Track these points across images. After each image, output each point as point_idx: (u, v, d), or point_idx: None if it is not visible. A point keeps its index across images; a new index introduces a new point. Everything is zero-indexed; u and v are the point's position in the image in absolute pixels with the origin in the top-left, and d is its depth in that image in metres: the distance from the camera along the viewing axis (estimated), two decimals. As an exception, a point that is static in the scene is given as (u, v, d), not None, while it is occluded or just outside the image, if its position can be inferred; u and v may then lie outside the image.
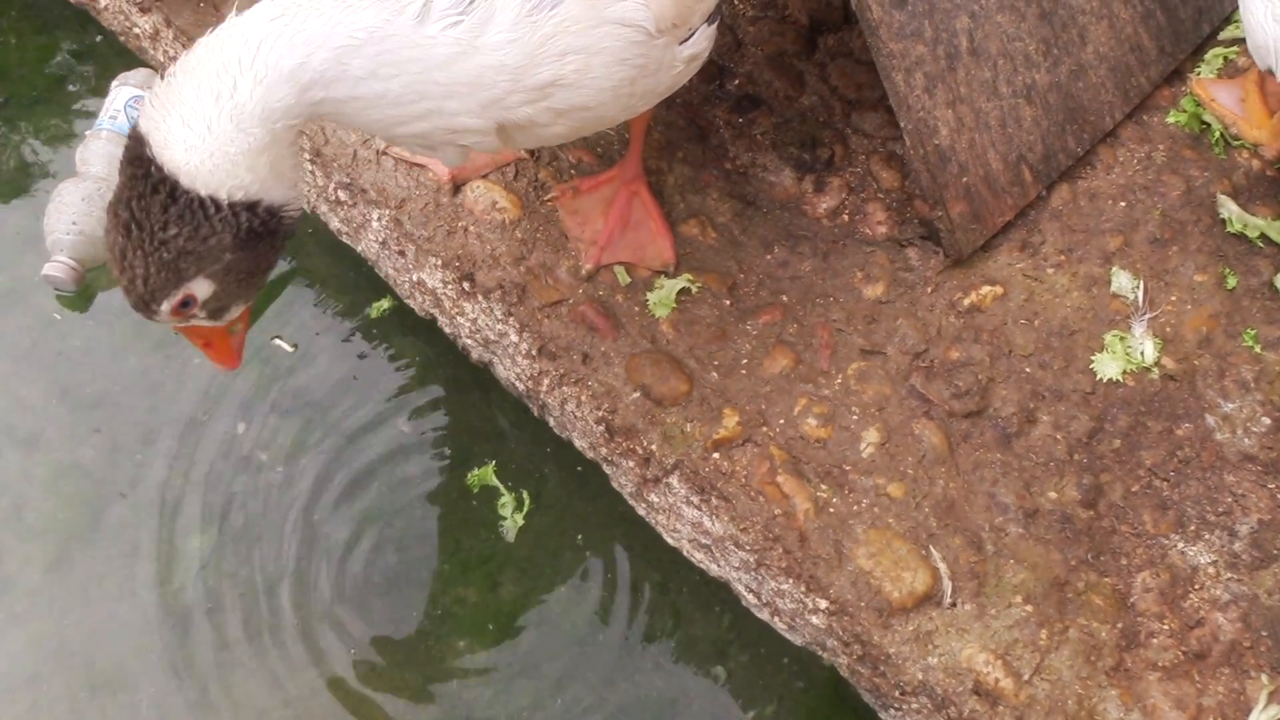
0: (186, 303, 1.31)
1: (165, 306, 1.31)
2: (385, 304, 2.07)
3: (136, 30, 2.15)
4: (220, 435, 2.08)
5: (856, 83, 2.03)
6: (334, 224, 2.00)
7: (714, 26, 1.57)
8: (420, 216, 1.85)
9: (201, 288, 1.30)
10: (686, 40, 1.48)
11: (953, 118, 1.78)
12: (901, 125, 1.75)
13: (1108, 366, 1.75)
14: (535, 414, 1.86)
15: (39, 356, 2.14)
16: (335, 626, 1.96)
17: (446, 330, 1.90)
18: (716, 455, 1.66)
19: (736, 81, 2.03)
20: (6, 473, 2.03)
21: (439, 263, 1.81)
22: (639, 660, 1.96)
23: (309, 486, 2.06)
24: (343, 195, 1.91)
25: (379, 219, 1.87)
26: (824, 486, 1.63)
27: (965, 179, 1.80)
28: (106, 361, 2.14)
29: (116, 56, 2.40)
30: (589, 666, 1.95)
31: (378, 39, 1.22)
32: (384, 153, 1.90)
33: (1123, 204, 1.91)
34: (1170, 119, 1.99)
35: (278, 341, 2.11)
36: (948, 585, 1.55)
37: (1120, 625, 1.54)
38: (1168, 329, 1.79)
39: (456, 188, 1.86)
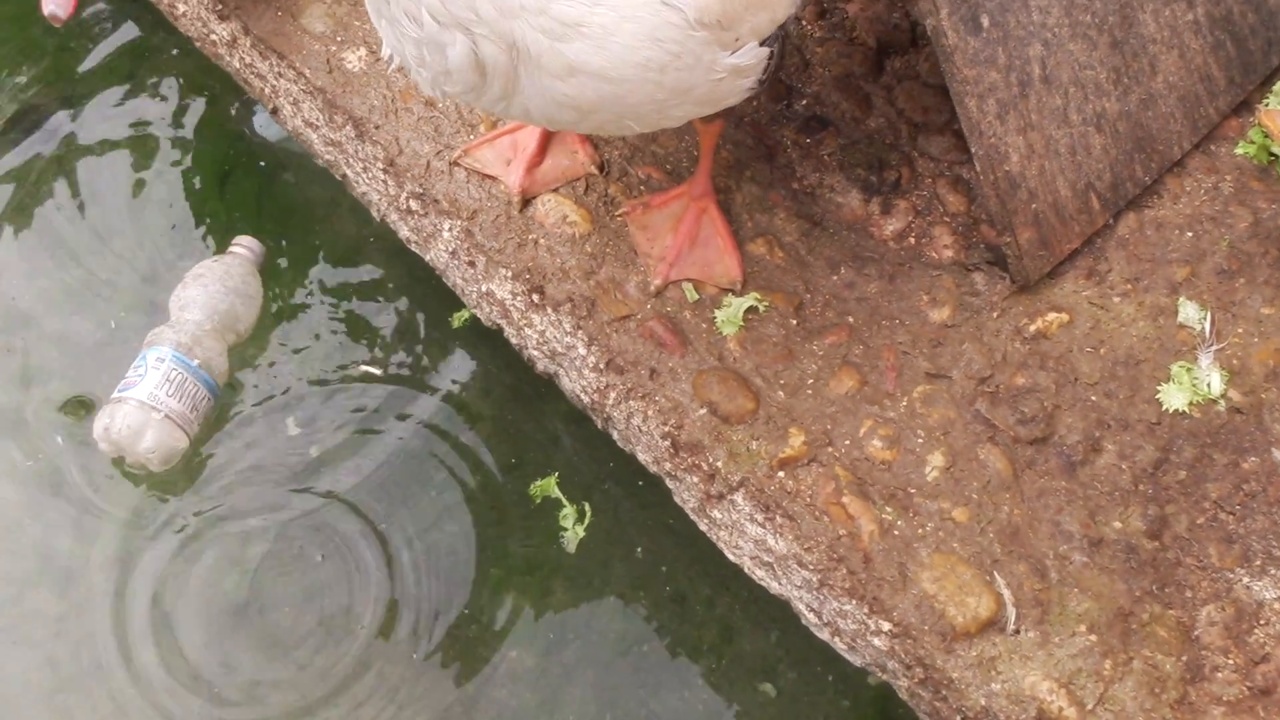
0: None
1: None
2: (465, 314, 2.10)
3: (213, 37, 2.18)
4: (277, 435, 2.11)
5: (923, 106, 2.04)
6: (403, 233, 2.02)
7: (769, 51, 1.55)
8: (491, 228, 1.87)
9: None
10: (735, 52, 1.46)
11: (1023, 144, 1.79)
12: (972, 150, 1.76)
13: (1174, 397, 1.75)
14: (599, 426, 1.88)
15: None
16: (385, 629, 1.99)
17: (513, 341, 1.92)
18: (782, 474, 1.67)
19: (804, 102, 2.05)
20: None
21: (509, 274, 1.83)
22: (686, 673, 1.97)
23: (365, 491, 2.09)
24: (414, 205, 1.94)
25: (450, 229, 1.89)
26: (889, 509, 1.64)
27: (1034, 205, 1.81)
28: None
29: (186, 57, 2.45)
30: (637, 678, 1.97)
31: None
32: (456, 163, 1.92)
33: (1190, 234, 1.91)
34: (1238, 150, 1.98)
35: (365, 368, 2.14)
36: (1012, 612, 1.56)
37: (1185, 658, 1.54)
38: (1234, 361, 1.79)
39: (526, 201, 1.88)
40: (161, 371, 1.95)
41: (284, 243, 2.34)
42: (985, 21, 1.72)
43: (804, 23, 2.14)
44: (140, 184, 2.47)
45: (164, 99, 2.54)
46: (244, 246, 2.18)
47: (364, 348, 2.19)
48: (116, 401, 1.97)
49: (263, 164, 2.45)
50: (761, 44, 1.48)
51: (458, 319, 2.14)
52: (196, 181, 2.46)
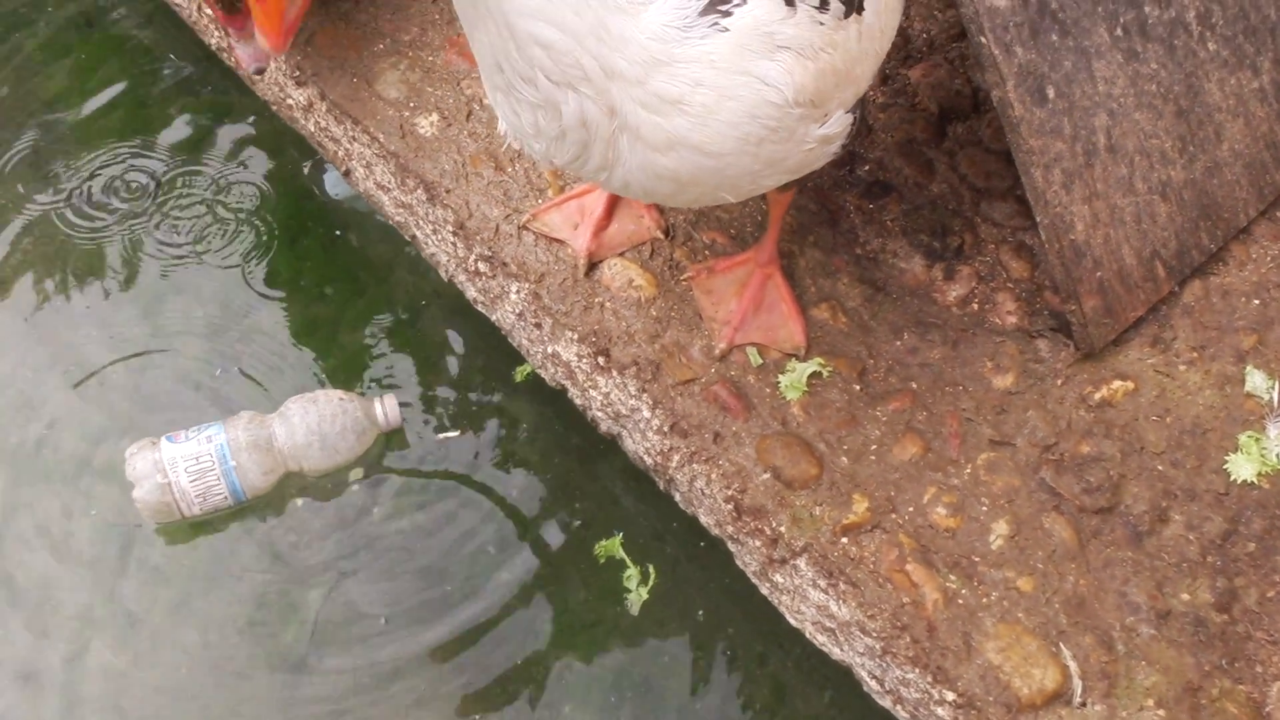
0: None
1: None
2: (528, 368, 2.13)
3: (290, 101, 2.25)
4: (338, 487, 2.15)
5: (986, 171, 2.06)
6: (470, 293, 2.06)
7: (853, 116, 1.61)
8: (558, 291, 1.90)
9: None
10: (824, 123, 1.52)
11: (1089, 213, 1.79)
12: (1038, 219, 1.77)
13: (1242, 468, 1.74)
14: (661, 488, 1.89)
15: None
16: (439, 680, 2.00)
17: (577, 402, 1.95)
18: (845, 540, 1.67)
19: (867, 167, 2.07)
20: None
21: (575, 337, 1.86)
22: (741, 732, 1.97)
23: (422, 543, 2.11)
24: (483, 267, 1.98)
25: (518, 291, 1.93)
26: (953, 577, 1.64)
27: (1099, 274, 1.81)
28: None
29: (261, 118, 2.52)
30: (693, 736, 1.97)
31: None
32: (524, 227, 1.96)
33: (1256, 301, 1.91)
34: (1306, 218, 1.98)
35: (445, 435, 2.18)
36: (1078, 684, 1.55)
37: (1257, 735, 1.52)
38: (1304, 431, 1.77)
39: (593, 265, 1.92)
40: (198, 448, 1.99)
41: (352, 296, 2.40)
42: (1051, 93, 1.74)
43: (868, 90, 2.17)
44: (212, 237, 2.54)
45: (238, 158, 2.62)
46: (384, 409, 2.11)
47: (424, 402, 2.23)
48: (153, 444, 2.02)
49: (333, 225, 2.51)
50: (846, 112, 1.53)
51: (520, 373, 2.17)
52: (268, 237, 2.52)
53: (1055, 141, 1.76)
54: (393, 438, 2.16)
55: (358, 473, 2.17)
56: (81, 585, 2.06)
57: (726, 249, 1.95)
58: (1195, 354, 1.85)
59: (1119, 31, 1.80)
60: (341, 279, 2.45)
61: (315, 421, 2.02)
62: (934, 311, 1.90)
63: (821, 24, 1.40)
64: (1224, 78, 1.92)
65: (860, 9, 1.47)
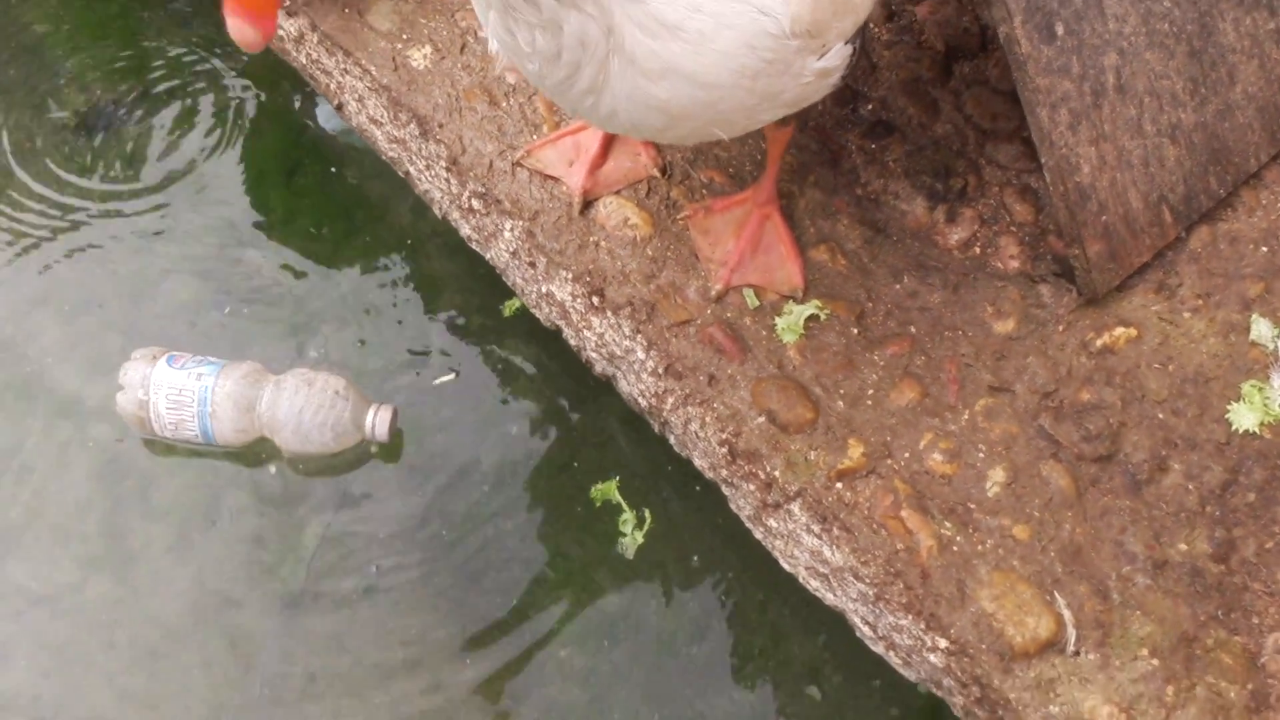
0: None
1: None
2: (516, 303, 2.10)
3: (280, 32, 2.20)
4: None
5: (992, 113, 2.01)
6: (464, 230, 2.03)
7: (851, 48, 1.55)
8: (553, 229, 1.87)
9: None
10: (823, 55, 1.47)
11: (1095, 155, 1.75)
12: (1043, 161, 1.73)
13: (1244, 417, 1.71)
14: (655, 430, 1.87)
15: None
16: (434, 623, 2.00)
17: (571, 342, 1.92)
18: (840, 485, 1.65)
19: (870, 106, 2.03)
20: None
21: (569, 276, 1.83)
22: (734, 676, 1.97)
23: (417, 485, 2.10)
24: (476, 204, 1.94)
25: (511, 229, 1.90)
26: (948, 524, 1.62)
27: (1104, 218, 1.77)
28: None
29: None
30: (685, 679, 1.97)
31: None
32: (518, 163, 1.92)
33: (1264, 249, 1.87)
34: (1319, 163, 1.93)
35: (440, 381, 2.15)
36: (1072, 633, 1.53)
37: (1250, 686, 1.51)
38: (1308, 381, 1.74)
39: (588, 203, 1.88)
40: (184, 381, 1.97)
41: (347, 234, 2.37)
42: (1060, 30, 1.69)
43: (871, 25, 2.12)
44: (206, 174, 2.51)
45: (229, 91, 2.57)
46: (374, 420, 2.03)
47: (418, 340, 2.20)
48: (153, 358, 2.03)
49: (329, 161, 2.47)
50: (845, 43, 1.48)
51: (509, 308, 2.14)
52: (263, 173, 2.49)
53: (1063, 80, 1.71)
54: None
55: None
56: (85, 517, 2.05)
57: (724, 188, 1.91)
58: (1200, 301, 1.81)
59: (1132, -33, 1.74)
60: (337, 217, 2.42)
61: (300, 404, 1.97)
62: (935, 255, 1.87)
63: None
64: (1239, 17, 1.87)
65: None
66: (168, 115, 2.55)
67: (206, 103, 2.56)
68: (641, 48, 1.29)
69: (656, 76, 1.32)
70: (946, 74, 2.07)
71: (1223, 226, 1.89)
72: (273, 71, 2.49)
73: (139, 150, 2.51)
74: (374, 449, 2.07)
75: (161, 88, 2.58)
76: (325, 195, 2.45)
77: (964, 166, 1.95)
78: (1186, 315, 1.81)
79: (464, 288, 2.26)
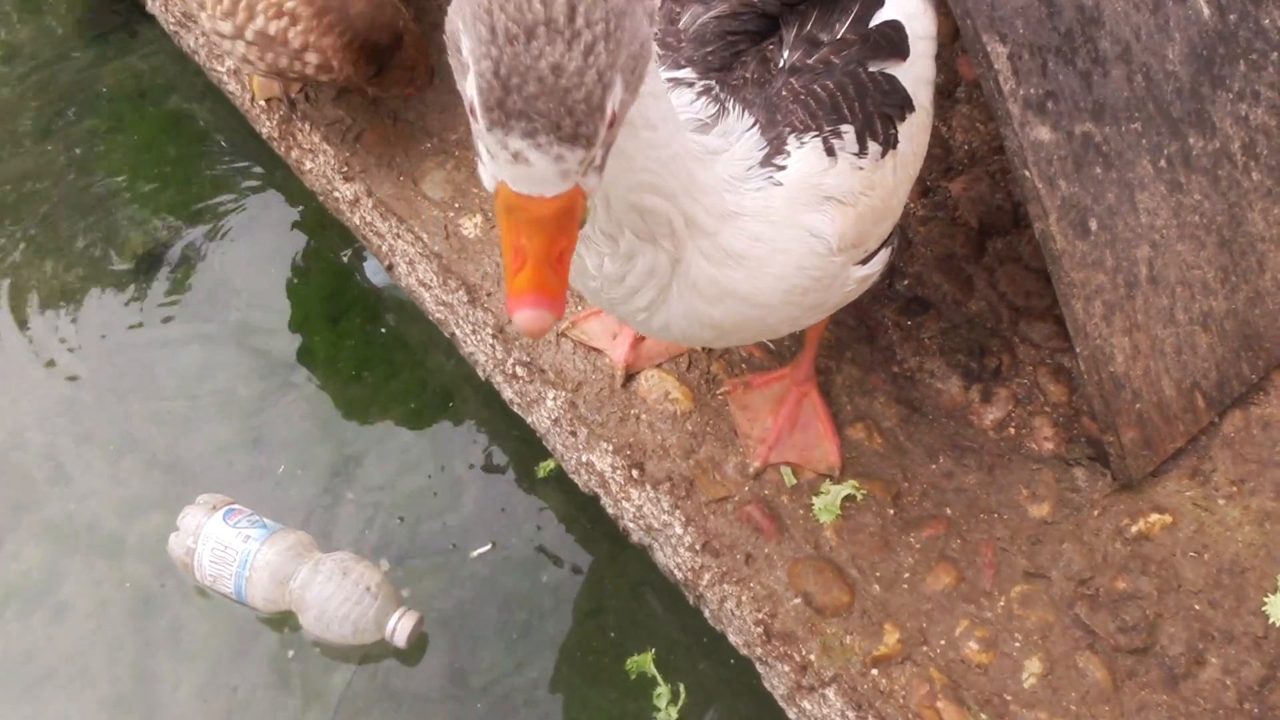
0: (612, 120, 0.97)
1: (613, 99, 0.95)
2: (551, 464, 2.13)
3: (336, 194, 2.29)
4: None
5: (1025, 290, 2.05)
6: (507, 394, 2.08)
7: (890, 250, 1.62)
8: (595, 401, 1.91)
9: (618, 83, 0.96)
10: (864, 262, 1.53)
11: (1129, 345, 1.79)
12: (1077, 350, 1.76)
13: (1281, 610, 1.71)
14: (690, 602, 1.89)
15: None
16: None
17: (609, 510, 1.95)
18: (875, 672, 1.66)
19: (906, 282, 2.08)
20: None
21: (610, 448, 1.87)
22: None
23: (448, 644, 2.10)
24: (520, 371, 1.99)
25: (554, 399, 1.94)
26: (984, 716, 1.62)
27: (1138, 405, 1.80)
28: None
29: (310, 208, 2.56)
30: None
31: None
32: (563, 334, 1.97)
33: (1298, 434, 1.88)
34: (1350, 350, 1.96)
35: (479, 553, 2.16)
36: (1111, 836, 1.52)
37: None
38: (1345, 573, 1.74)
39: (630, 376, 1.92)
40: (232, 540, 2.01)
41: (387, 379, 2.42)
42: (1093, 225, 1.74)
43: (908, 201, 2.18)
44: (253, 317, 2.57)
45: (282, 241, 2.65)
46: (396, 625, 2.00)
47: (452, 504, 2.23)
48: (213, 509, 2.07)
49: (373, 309, 2.54)
50: (883, 246, 1.54)
51: (543, 469, 2.17)
52: (309, 316, 2.55)
53: (1097, 274, 1.75)
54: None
55: (389, 555, 2.17)
56: (117, 657, 2.07)
57: (764, 363, 1.96)
58: (1235, 488, 1.83)
59: (1163, 163, 1.80)
60: (378, 362, 2.47)
61: (330, 592, 1.98)
62: (970, 435, 1.89)
63: (861, 169, 1.41)
64: (1268, 207, 1.92)
65: (896, 144, 1.48)
66: (219, 257, 2.63)
67: (257, 246, 2.64)
68: (704, 275, 1.33)
69: (714, 300, 1.36)
70: (980, 250, 2.12)
71: (1255, 411, 1.91)
72: (321, 219, 2.57)
73: (189, 290, 2.58)
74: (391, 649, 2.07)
75: (215, 230, 2.67)
76: (368, 341, 2.51)
77: (998, 345, 1.99)
78: (1221, 502, 1.82)
79: (502, 445, 2.30)
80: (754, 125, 1.36)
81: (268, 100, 2.36)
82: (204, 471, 2.31)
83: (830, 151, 1.37)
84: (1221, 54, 1.84)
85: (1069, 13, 1.69)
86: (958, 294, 2.06)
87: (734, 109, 1.36)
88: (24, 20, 3.16)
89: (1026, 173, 1.68)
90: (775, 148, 1.36)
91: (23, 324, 2.55)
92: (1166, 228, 1.82)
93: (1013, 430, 1.90)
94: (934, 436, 1.89)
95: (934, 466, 1.85)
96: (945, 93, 2.32)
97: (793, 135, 1.37)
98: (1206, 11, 1.83)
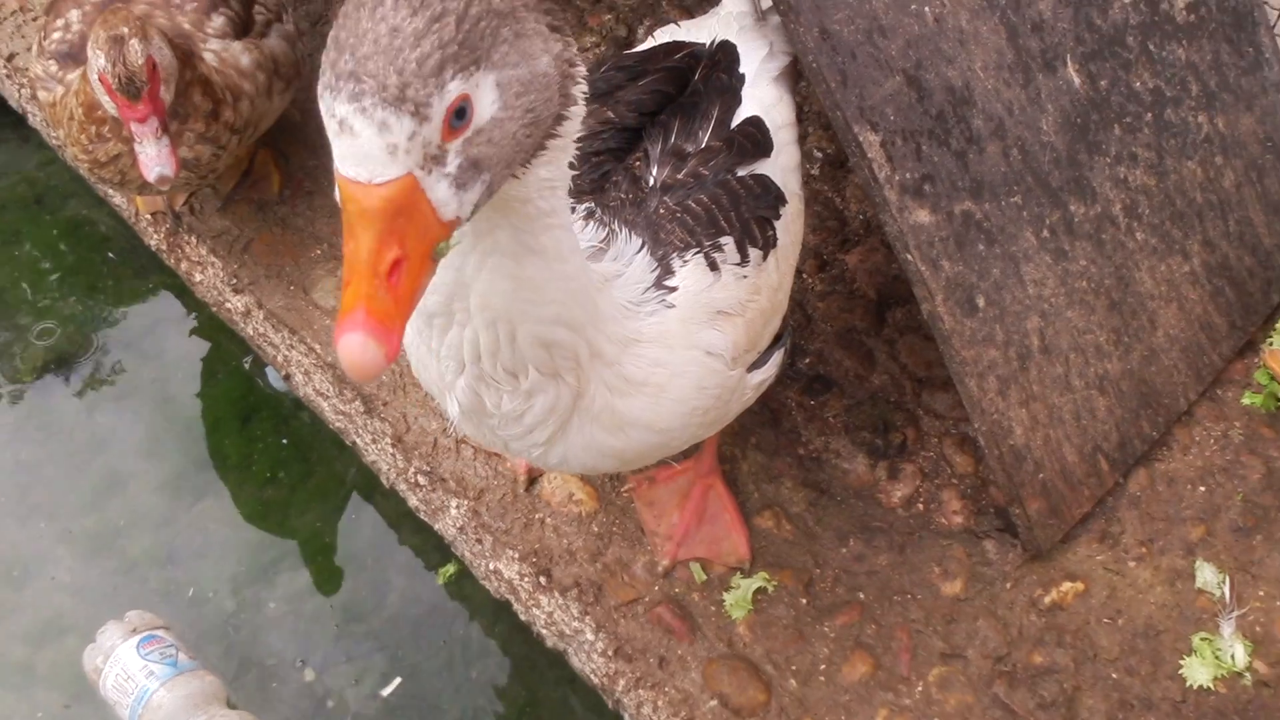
0: (463, 111, 0.89)
1: (449, 91, 0.87)
2: (451, 569, 2.08)
3: (229, 305, 2.24)
4: (290, 681, 2.08)
5: (926, 360, 2.05)
6: (412, 502, 2.03)
7: (783, 349, 1.61)
8: (498, 507, 1.87)
9: (487, 96, 0.90)
10: (758, 368, 1.52)
11: (1026, 416, 1.79)
12: (975, 426, 1.76)
13: (1197, 672, 1.71)
14: (610, 706, 1.85)
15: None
16: None
17: (522, 617, 1.91)
18: (796, 772, 1.63)
19: (808, 360, 2.07)
20: None
21: (516, 555, 1.83)
22: None
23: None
24: (422, 480, 1.95)
25: (457, 507, 1.90)
26: (908, 810, 1.59)
27: (1041, 475, 1.80)
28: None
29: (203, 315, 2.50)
30: None
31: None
32: (463, 441, 1.94)
33: (1202, 488, 1.90)
34: (1245, 400, 1.98)
35: (388, 691, 2.08)
36: None
37: None
38: (1258, 628, 1.75)
39: (533, 479, 1.89)
40: (134, 672, 1.95)
41: (303, 478, 2.36)
42: (981, 301, 1.75)
43: (805, 275, 2.18)
44: (158, 425, 2.50)
45: (182, 349, 2.59)
46: None
47: (362, 631, 2.16)
48: (131, 631, 2.00)
49: (282, 409, 2.48)
50: (777, 346, 1.53)
51: (443, 574, 2.10)
52: (218, 420, 2.49)
53: (988, 349, 1.76)
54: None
55: (310, 673, 2.11)
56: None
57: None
58: (1144, 548, 1.83)
59: (1045, 233, 1.81)
60: (292, 461, 2.41)
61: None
62: (879, 514, 1.88)
63: (745, 276, 1.40)
64: (1154, 265, 1.94)
65: (775, 243, 1.48)
66: (122, 366, 2.56)
67: (161, 353, 2.58)
68: (605, 405, 1.30)
69: (615, 429, 1.33)
70: (880, 321, 2.12)
71: (1160, 467, 1.92)
72: (222, 331, 2.51)
73: (94, 401, 2.51)
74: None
75: (118, 339, 2.60)
76: (279, 441, 2.44)
77: (902, 419, 1.98)
78: (1131, 564, 1.82)
79: (415, 546, 2.24)
80: (642, 246, 1.34)
81: (152, 214, 2.32)
82: (115, 590, 2.23)
83: (713, 266, 1.36)
84: (1095, 120, 1.86)
85: (939, 95, 1.70)
86: (860, 369, 2.05)
87: (621, 231, 1.34)
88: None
89: (909, 256, 1.68)
90: (664, 268, 1.34)
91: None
92: (1055, 296, 1.83)
93: (921, 506, 1.89)
94: (843, 519, 1.87)
95: (845, 550, 1.84)
96: (837, 163, 2.33)
97: (676, 255, 1.35)
98: (1077, 80, 1.85)
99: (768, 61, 1.65)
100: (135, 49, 1.74)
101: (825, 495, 1.90)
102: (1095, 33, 1.88)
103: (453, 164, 0.89)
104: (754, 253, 1.41)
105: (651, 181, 1.42)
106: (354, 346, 0.87)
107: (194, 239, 2.27)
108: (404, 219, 0.88)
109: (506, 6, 0.90)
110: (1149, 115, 1.94)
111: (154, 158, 1.77)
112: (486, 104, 0.89)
